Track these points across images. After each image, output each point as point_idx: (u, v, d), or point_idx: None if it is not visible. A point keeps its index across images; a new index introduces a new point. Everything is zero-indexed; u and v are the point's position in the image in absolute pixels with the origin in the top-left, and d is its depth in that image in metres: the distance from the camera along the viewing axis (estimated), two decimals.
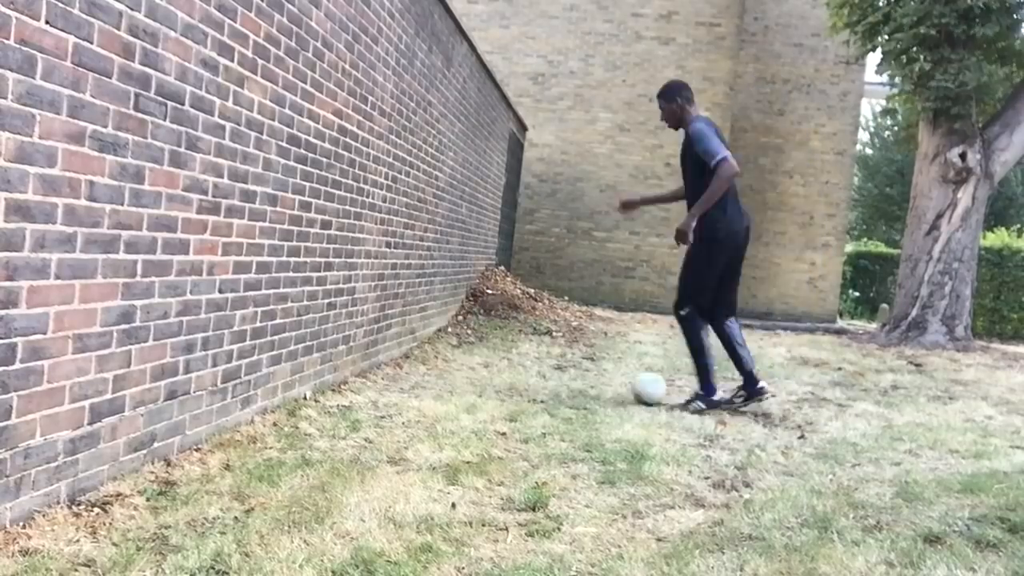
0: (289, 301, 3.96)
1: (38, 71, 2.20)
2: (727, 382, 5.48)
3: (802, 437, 4.41)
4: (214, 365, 3.30)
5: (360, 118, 4.67)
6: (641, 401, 5.12)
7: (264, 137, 3.52)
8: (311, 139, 4.01)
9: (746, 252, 5.21)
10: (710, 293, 5.09)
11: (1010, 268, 15.44)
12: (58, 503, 2.44)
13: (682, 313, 5.14)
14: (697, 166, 4.96)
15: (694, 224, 4.90)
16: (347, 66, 4.37)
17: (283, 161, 3.73)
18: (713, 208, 4.88)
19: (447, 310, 7.88)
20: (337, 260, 4.55)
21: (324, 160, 4.21)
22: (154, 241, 2.80)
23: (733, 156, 4.88)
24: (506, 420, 4.27)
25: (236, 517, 2.54)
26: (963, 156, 10.74)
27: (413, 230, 6.13)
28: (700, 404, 5.01)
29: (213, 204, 3.16)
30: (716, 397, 5.08)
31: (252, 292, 3.56)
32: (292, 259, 3.94)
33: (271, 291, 3.75)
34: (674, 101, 5.10)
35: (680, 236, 4.95)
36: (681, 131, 5.17)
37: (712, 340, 5.18)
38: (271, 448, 3.35)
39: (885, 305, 15.86)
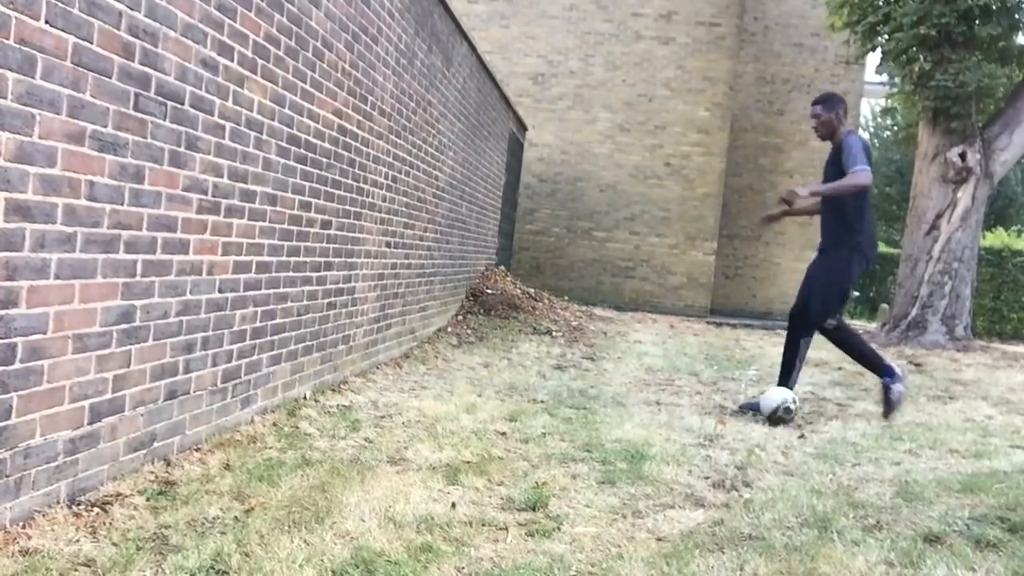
0: (289, 301, 3.96)
1: (38, 71, 2.20)
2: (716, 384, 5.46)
3: (802, 437, 4.41)
4: (214, 365, 3.30)
5: (360, 118, 4.67)
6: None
7: (264, 137, 3.52)
8: (311, 139, 4.01)
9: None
10: (832, 309, 5.16)
11: (1010, 268, 15.44)
12: (58, 503, 2.44)
13: (807, 321, 5.12)
14: (839, 176, 4.99)
15: (805, 193, 4.99)
16: (347, 66, 4.37)
17: (283, 161, 3.73)
18: (857, 224, 4.99)
19: (447, 310, 7.88)
20: (337, 260, 4.55)
21: (324, 160, 4.21)
22: (154, 241, 2.80)
23: (868, 171, 4.90)
24: (506, 420, 4.27)
25: (236, 517, 2.54)
26: (963, 156, 10.74)
27: (413, 230, 6.13)
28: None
29: (213, 204, 3.16)
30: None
31: (252, 292, 3.56)
32: (292, 259, 3.94)
33: (271, 291, 3.75)
34: (834, 111, 5.13)
35: (788, 193, 5.03)
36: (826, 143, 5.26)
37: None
38: (271, 448, 3.35)
39: (885, 305, 15.86)
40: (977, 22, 10.34)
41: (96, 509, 2.47)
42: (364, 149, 4.80)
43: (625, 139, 13.92)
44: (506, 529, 2.66)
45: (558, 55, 13.96)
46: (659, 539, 2.67)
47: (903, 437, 4.50)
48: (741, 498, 3.18)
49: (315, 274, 4.25)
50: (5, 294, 2.17)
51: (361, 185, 4.82)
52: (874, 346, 5.44)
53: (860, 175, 4.84)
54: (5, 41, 2.09)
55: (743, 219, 15.34)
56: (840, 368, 7.62)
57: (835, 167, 5.04)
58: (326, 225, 4.33)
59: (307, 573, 2.19)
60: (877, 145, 25.78)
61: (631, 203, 13.91)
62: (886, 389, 5.05)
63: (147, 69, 2.65)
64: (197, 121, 2.99)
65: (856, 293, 19.93)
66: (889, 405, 5.03)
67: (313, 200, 4.11)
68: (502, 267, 10.96)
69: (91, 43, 2.39)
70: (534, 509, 2.87)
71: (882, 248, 20.99)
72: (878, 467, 3.82)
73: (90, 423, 2.56)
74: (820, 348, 9.36)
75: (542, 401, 4.92)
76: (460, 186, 7.76)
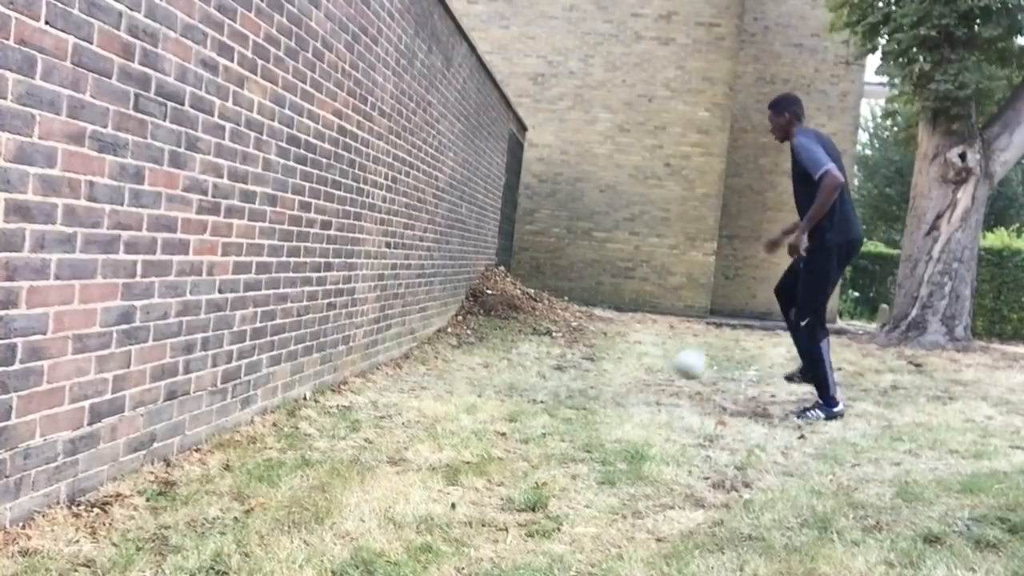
0: (289, 301, 3.96)
1: (38, 71, 2.20)
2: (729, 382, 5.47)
3: (802, 437, 4.41)
4: (214, 365, 3.30)
5: (360, 118, 4.67)
6: (688, 375, 5.34)
7: (264, 137, 3.52)
8: (311, 139, 4.01)
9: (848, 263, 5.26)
10: (826, 300, 5.14)
11: (1010, 268, 15.44)
12: (58, 503, 2.44)
13: (802, 324, 5.11)
14: (801, 178, 5.00)
15: (805, 237, 4.95)
16: (347, 66, 4.37)
17: (283, 161, 3.73)
18: (824, 222, 4.92)
19: (447, 310, 7.88)
20: (337, 260, 4.55)
21: (324, 160, 4.21)
22: (154, 241, 2.80)
23: (836, 168, 4.84)
24: (506, 420, 4.27)
25: (236, 517, 2.54)
26: (963, 156, 10.74)
27: (413, 230, 6.13)
28: (819, 413, 4.94)
29: (213, 204, 3.16)
30: (837, 409, 4.98)
31: (252, 292, 3.56)
32: (292, 259, 3.94)
33: (271, 291, 3.75)
34: (782, 115, 5.14)
35: (792, 250, 5.02)
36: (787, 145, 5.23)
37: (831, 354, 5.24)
38: (271, 448, 3.35)
39: (885, 305, 15.86)
40: (977, 23, 10.35)
41: (96, 509, 2.47)
42: (364, 150, 4.80)
43: (625, 139, 13.91)
44: (506, 530, 2.66)
45: (558, 55, 13.96)
46: (659, 539, 2.67)
47: (903, 438, 4.50)
48: (741, 498, 3.18)
49: (315, 274, 4.25)
50: (5, 294, 2.17)
51: (361, 186, 4.83)
52: (836, 376, 5.46)
53: (827, 179, 4.78)
54: (5, 41, 2.09)
55: (743, 219, 15.34)
56: (839, 368, 7.62)
57: (797, 170, 5.03)
58: (326, 225, 4.33)
59: (307, 573, 2.19)
60: (877, 145, 25.79)
61: (631, 203, 13.91)
62: (817, 407, 5.00)
63: (147, 69, 2.65)
64: (197, 121, 2.99)
65: (856, 294, 19.93)
66: (803, 415, 4.94)
67: (313, 200, 4.11)
68: (502, 267, 10.96)
69: (91, 43, 2.39)
70: (534, 509, 2.87)
71: (882, 248, 21.00)
72: (878, 467, 3.82)
73: (90, 423, 2.56)
74: None
75: (542, 401, 4.92)
76: (460, 186, 7.76)
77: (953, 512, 3.06)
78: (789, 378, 5.41)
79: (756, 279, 15.27)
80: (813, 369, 5.09)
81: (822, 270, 5.03)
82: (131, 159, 2.62)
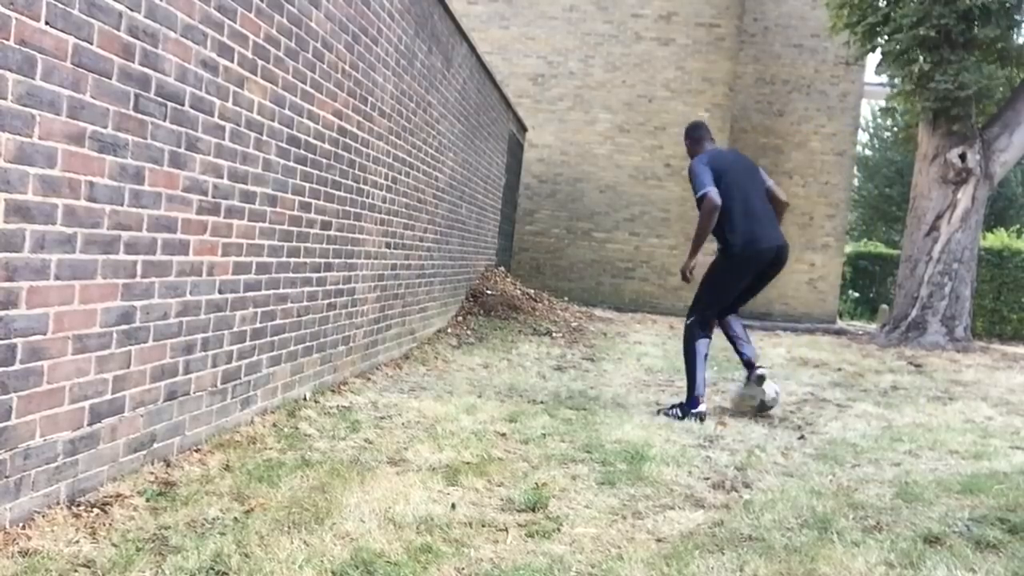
0: (289, 302, 3.96)
1: (38, 71, 2.20)
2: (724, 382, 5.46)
3: (802, 438, 4.41)
4: (214, 366, 3.30)
5: (360, 119, 4.67)
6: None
7: (264, 138, 3.52)
8: (311, 140, 4.01)
9: (775, 272, 5.20)
10: (716, 306, 5.17)
11: (1010, 268, 15.43)
12: (58, 504, 2.44)
13: (687, 322, 5.16)
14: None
15: (692, 262, 5.12)
16: (347, 67, 4.37)
17: (283, 162, 3.73)
18: (726, 234, 5.00)
19: (447, 311, 7.88)
20: (337, 260, 4.55)
21: (324, 161, 4.21)
22: (154, 242, 2.80)
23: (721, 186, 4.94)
24: (506, 421, 4.27)
25: (236, 518, 2.54)
26: (963, 157, 10.74)
27: (413, 231, 6.13)
28: (678, 412, 4.83)
29: (213, 205, 3.16)
30: (696, 409, 4.83)
31: (252, 293, 3.56)
32: (292, 260, 3.94)
33: (271, 292, 3.75)
34: (686, 142, 5.48)
35: (682, 276, 5.21)
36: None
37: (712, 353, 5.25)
38: (271, 449, 3.35)
39: (885, 306, 15.86)
40: (977, 23, 10.35)
41: (96, 510, 2.47)
42: (364, 150, 4.80)
43: (625, 140, 13.92)
44: (506, 530, 2.66)
45: (558, 56, 13.96)
46: (659, 540, 2.67)
47: (903, 438, 4.50)
48: (741, 499, 3.18)
49: (315, 275, 4.25)
50: (5, 295, 2.17)
51: (361, 186, 4.83)
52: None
53: (704, 203, 4.95)
54: (5, 42, 2.09)
55: None
56: (840, 369, 7.62)
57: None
58: (326, 226, 4.33)
59: (307, 574, 2.19)
60: (877, 145, 25.79)
61: (631, 204, 13.91)
62: (677, 407, 4.89)
63: (147, 70, 2.65)
64: (197, 122, 2.99)
65: (856, 294, 19.94)
66: (669, 412, 4.86)
67: (313, 201, 4.12)
68: (502, 268, 10.96)
69: (91, 44, 2.39)
70: (534, 510, 2.87)
71: (882, 248, 21.00)
72: (878, 468, 3.82)
73: (90, 424, 2.56)
74: (820, 349, 9.37)
75: (542, 402, 4.92)
76: (460, 187, 7.76)
77: (953, 512, 3.06)
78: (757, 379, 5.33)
79: None
80: (685, 366, 5.04)
81: (716, 275, 5.11)
82: (131, 159, 2.62)
